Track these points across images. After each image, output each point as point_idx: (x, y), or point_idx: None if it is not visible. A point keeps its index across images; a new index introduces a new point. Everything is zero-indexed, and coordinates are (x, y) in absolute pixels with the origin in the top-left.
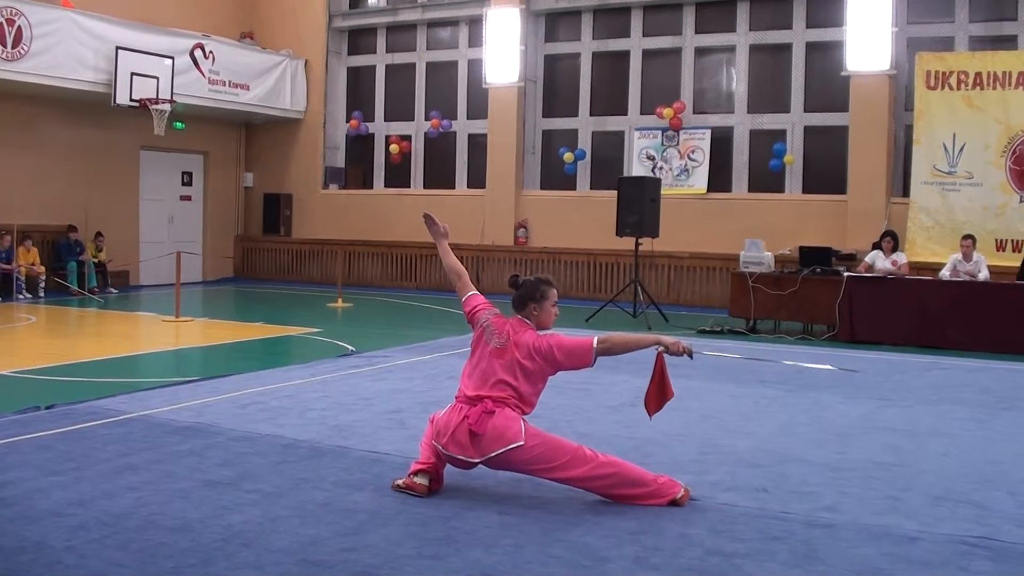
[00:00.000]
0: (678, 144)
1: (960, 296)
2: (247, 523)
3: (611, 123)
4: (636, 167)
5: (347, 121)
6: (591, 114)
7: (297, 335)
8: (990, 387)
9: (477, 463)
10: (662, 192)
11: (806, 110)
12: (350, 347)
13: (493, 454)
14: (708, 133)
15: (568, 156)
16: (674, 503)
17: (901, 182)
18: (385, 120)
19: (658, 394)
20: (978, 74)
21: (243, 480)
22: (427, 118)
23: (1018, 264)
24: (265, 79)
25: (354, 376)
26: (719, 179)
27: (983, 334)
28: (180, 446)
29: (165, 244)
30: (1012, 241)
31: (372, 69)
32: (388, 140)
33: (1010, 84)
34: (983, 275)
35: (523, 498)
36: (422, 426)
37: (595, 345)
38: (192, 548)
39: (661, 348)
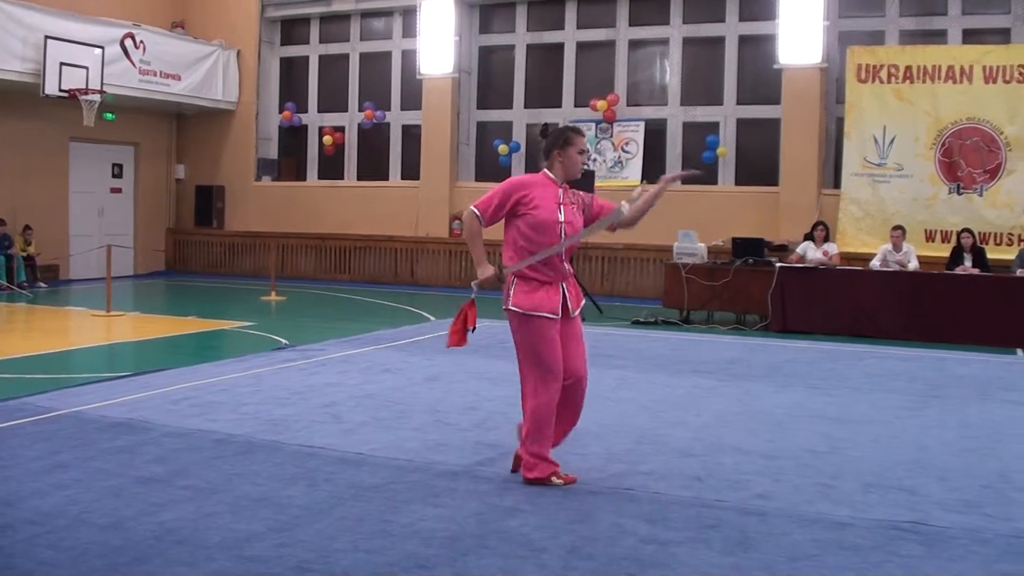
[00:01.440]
0: (612, 136)
1: (890, 286)
2: (180, 520)
3: (546, 115)
4: None
5: (280, 112)
6: (525, 106)
7: (230, 329)
8: (921, 375)
9: None
10: (596, 184)
11: (739, 103)
12: (284, 340)
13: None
14: (642, 125)
15: (503, 148)
16: (539, 480)
17: (832, 174)
18: (318, 111)
19: (462, 328)
20: (908, 68)
21: (176, 476)
22: (361, 109)
23: (947, 254)
24: (196, 69)
25: (288, 370)
26: (653, 171)
27: (913, 323)
28: (112, 443)
29: (95, 237)
30: (941, 232)
31: (305, 60)
32: (321, 131)
33: (939, 78)
34: (913, 265)
35: (459, 491)
36: (356, 420)
37: (476, 212)
38: (124, 546)
39: (475, 287)
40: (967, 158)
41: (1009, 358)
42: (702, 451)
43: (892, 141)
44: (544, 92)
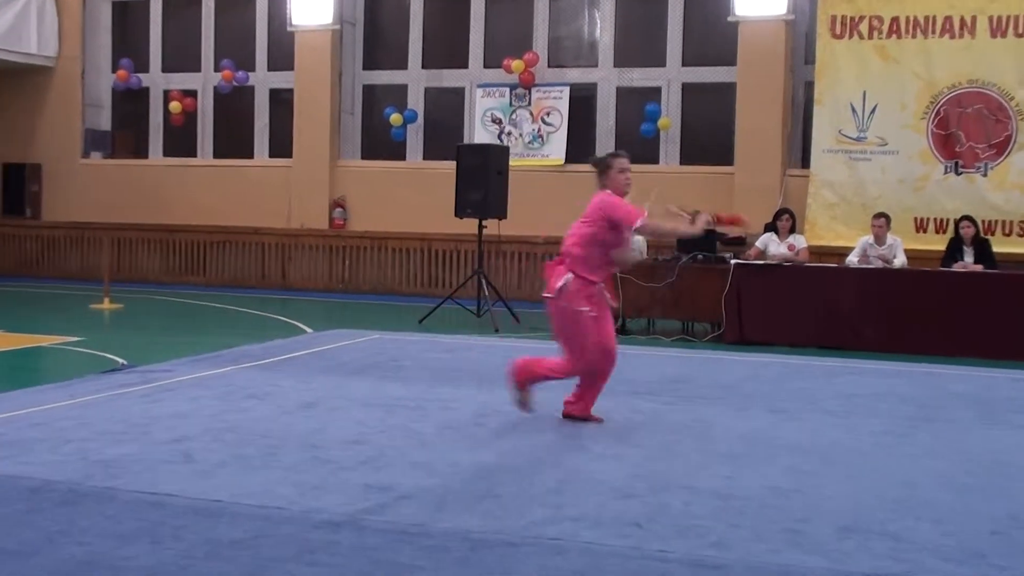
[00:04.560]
0: (530, 104)
1: (872, 287)
2: None
3: (448, 78)
4: (479, 132)
5: (113, 71)
6: (424, 66)
7: (50, 346)
8: (909, 395)
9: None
10: (511, 163)
11: (685, 64)
12: (120, 360)
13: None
14: (566, 91)
15: (395, 118)
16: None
17: (800, 151)
18: (163, 71)
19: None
20: (894, 19)
21: None
22: (217, 69)
23: (943, 248)
24: (1, 15)
25: (125, 397)
26: (580, 147)
27: (901, 332)
28: None
29: None
30: (935, 220)
31: (145, 5)
32: (167, 96)
33: (933, 31)
34: (899, 261)
35: (342, 546)
36: (212, 459)
37: (639, 222)
38: None
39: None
40: (968, 130)
41: (1018, 373)
42: (643, 490)
43: (874, 110)
44: (446, 49)
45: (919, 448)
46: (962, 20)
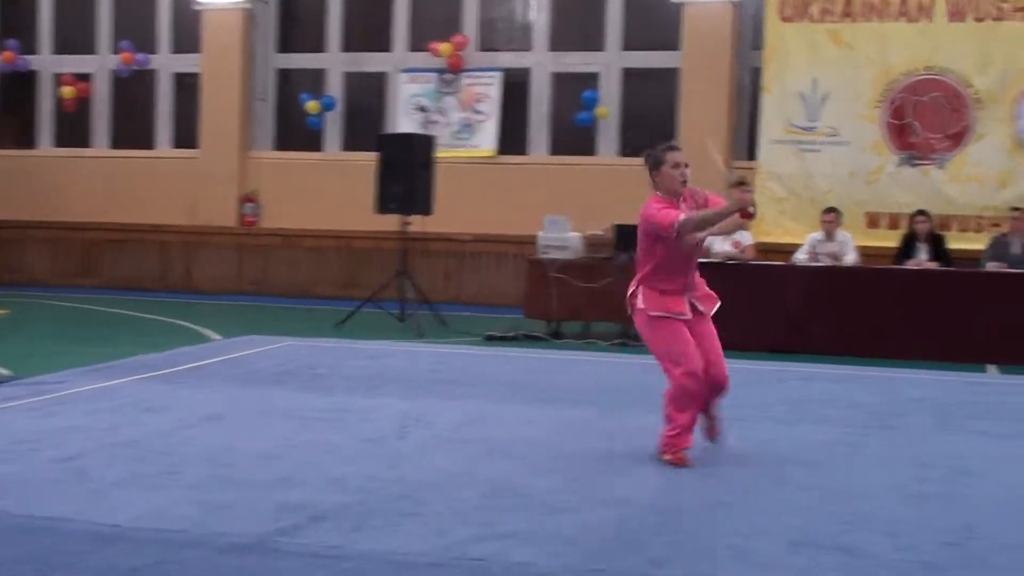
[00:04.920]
0: (458, 91)
1: (821, 285)
2: None
3: (370, 62)
4: (403, 121)
5: None
6: (343, 49)
7: None
8: (862, 401)
9: None
10: (437, 154)
11: (625, 47)
12: (3, 371)
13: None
14: (498, 77)
15: (312, 105)
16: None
17: (746, 141)
18: (54, 52)
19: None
20: (848, 1)
21: None
22: (115, 50)
23: (896, 244)
24: None
25: (10, 411)
26: (512, 137)
27: (852, 334)
28: None
29: None
30: (888, 215)
31: None
32: (58, 80)
33: (889, 14)
34: (850, 258)
35: (252, 572)
36: (109, 477)
37: (676, 221)
38: None
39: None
40: (924, 119)
41: (977, 376)
42: (577, 504)
43: (825, 98)
44: (368, 31)
45: (872, 457)
46: (919, 3)
